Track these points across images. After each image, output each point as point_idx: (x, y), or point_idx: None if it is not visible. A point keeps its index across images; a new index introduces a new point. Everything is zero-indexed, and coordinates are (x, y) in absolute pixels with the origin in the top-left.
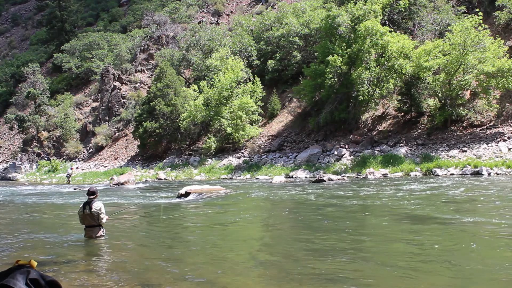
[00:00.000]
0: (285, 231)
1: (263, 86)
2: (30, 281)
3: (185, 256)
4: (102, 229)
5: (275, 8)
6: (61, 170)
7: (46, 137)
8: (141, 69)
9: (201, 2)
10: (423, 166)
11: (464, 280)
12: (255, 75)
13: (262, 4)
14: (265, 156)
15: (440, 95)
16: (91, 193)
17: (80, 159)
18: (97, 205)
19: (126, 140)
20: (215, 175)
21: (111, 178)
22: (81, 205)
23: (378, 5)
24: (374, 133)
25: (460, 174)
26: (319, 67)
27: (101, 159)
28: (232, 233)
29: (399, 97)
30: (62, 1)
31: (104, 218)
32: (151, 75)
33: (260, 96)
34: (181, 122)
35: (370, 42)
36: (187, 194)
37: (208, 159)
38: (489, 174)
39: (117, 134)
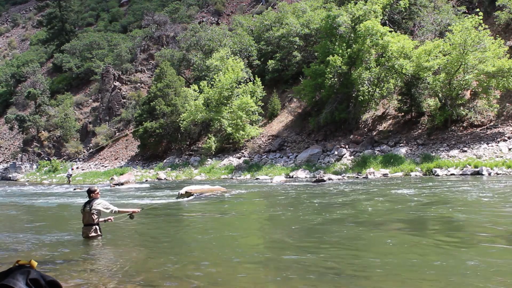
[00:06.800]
0: (286, 231)
1: (263, 86)
2: (30, 281)
3: (185, 256)
4: (98, 227)
5: (275, 8)
6: (61, 170)
7: (46, 137)
8: (141, 69)
9: (201, 2)
10: (423, 166)
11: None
12: (255, 75)
13: (262, 4)
14: (265, 156)
15: (440, 95)
16: (92, 191)
17: (80, 159)
18: (98, 202)
19: (126, 140)
20: (215, 175)
21: (111, 178)
22: (83, 204)
23: (378, 5)
24: (374, 133)
25: (461, 174)
26: (319, 67)
27: (101, 159)
28: (232, 233)
29: (399, 97)
30: (62, 1)
31: (114, 208)
32: (151, 75)
33: (261, 96)
34: (181, 122)
35: (370, 42)
36: (187, 194)
37: (208, 159)
38: (489, 174)
39: (117, 134)
